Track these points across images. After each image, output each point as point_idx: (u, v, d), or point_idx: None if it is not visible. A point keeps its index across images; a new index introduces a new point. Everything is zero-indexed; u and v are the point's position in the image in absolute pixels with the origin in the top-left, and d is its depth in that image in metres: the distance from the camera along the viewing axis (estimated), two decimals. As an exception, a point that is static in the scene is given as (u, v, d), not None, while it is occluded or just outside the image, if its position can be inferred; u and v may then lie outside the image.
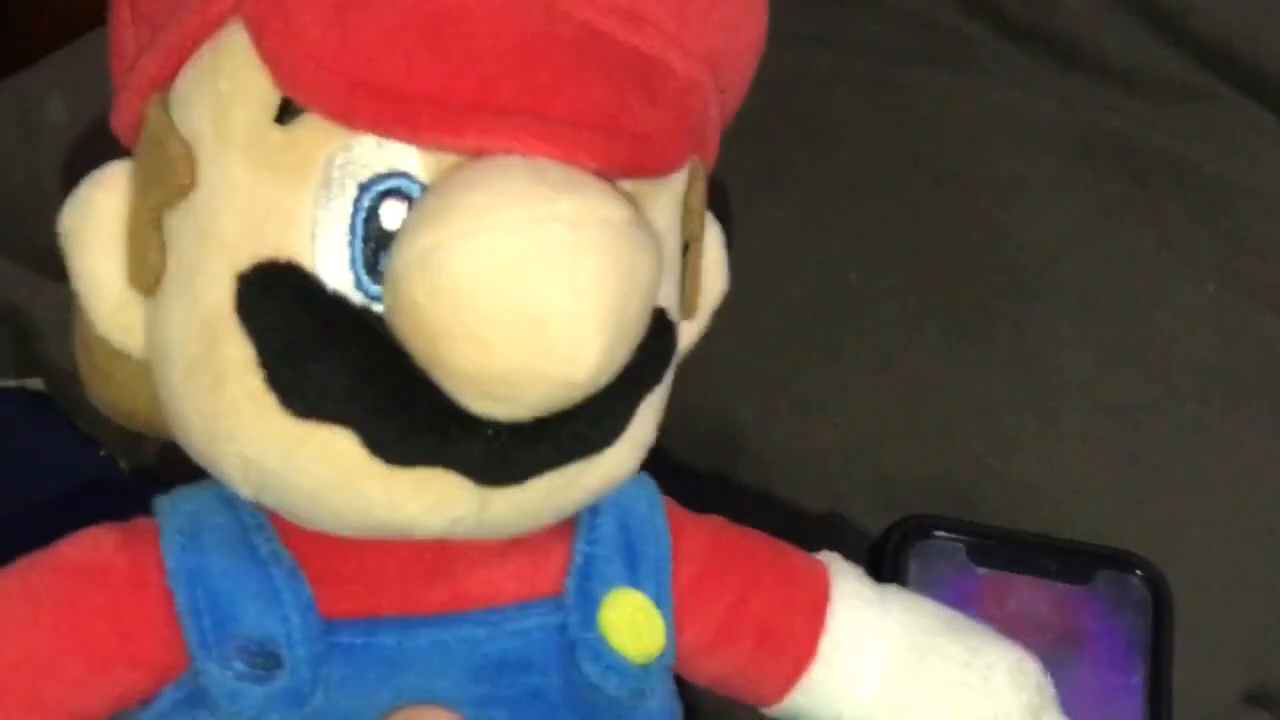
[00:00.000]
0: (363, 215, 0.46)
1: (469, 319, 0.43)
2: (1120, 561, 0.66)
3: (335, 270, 0.46)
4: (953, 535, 0.66)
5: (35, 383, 0.75)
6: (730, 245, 0.55)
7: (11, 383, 0.75)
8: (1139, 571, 0.66)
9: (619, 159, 0.46)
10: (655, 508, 0.54)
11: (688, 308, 0.52)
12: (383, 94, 0.44)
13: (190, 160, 0.47)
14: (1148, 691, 0.64)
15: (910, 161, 0.74)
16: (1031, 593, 0.65)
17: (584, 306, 0.43)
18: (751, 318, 0.70)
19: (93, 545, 0.49)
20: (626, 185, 0.47)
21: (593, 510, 0.52)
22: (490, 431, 0.46)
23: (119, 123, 0.50)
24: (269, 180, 0.46)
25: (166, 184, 0.47)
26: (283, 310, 0.46)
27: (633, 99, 0.46)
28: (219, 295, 0.46)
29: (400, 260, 0.44)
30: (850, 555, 0.58)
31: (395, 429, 0.46)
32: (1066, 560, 0.66)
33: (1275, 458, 0.70)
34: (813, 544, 0.57)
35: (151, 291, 0.48)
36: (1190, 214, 0.74)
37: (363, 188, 0.46)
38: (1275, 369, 0.71)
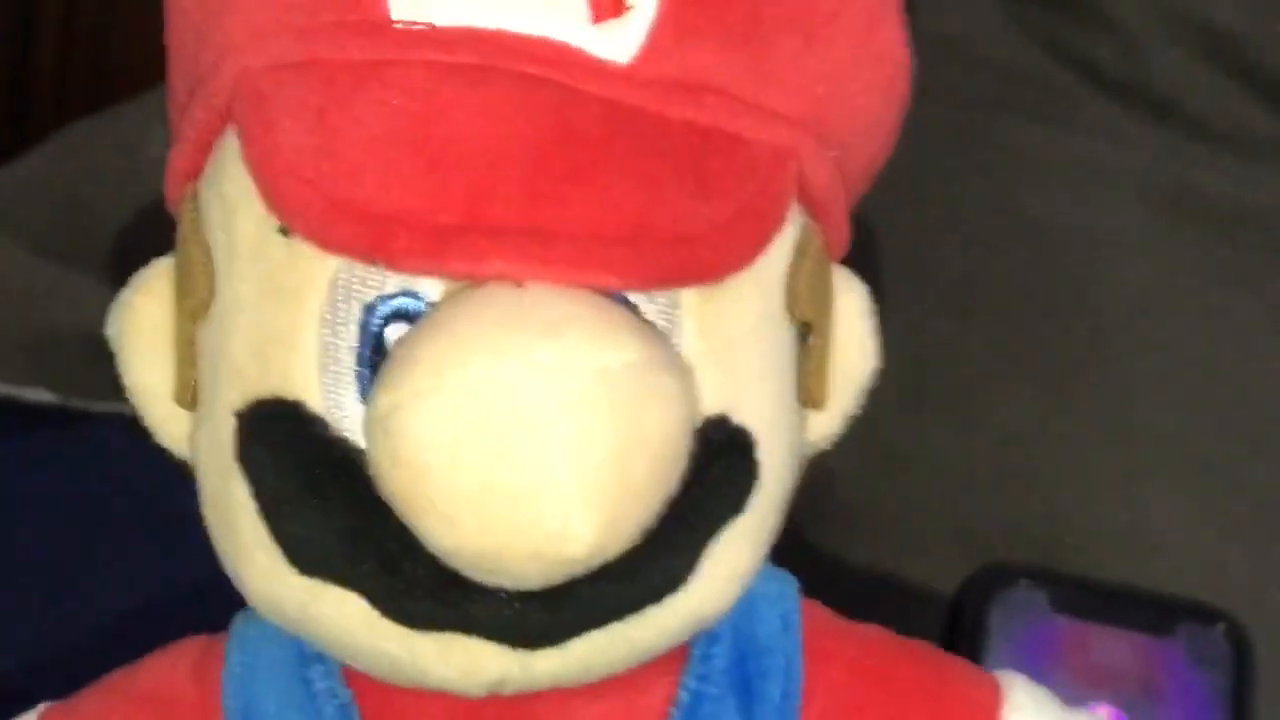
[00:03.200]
0: (370, 341, 0.40)
1: (432, 493, 0.37)
2: (1203, 614, 0.66)
3: (343, 405, 0.40)
4: (1035, 584, 0.66)
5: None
6: None
7: (113, 408, 0.77)
8: (1221, 624, 0.66)
9: (649, 272, 0.39)
10: (790, 628, 0.45)
11: (815, 398, 0.45)
12: (361, 214, 0.38)
13: (209, 270, 0.42)
14: (1227, 745, 0.65)
15: (999, 212, 0.75)
16: (1113, 643, 0.65)
17: (566, 476, 0.37)
18: None
19: (169, 670, 0.46)
20: (690, 295, 0.41)
21: (710, 635, 0.44)
22: (503, 595, 0.40)
23: (172, 207, 0.45)
24: (273, 299, 0.41)
25: (194, 293, 0.43)
26: (273, 460, 0.41)
27: (672, 192, 0.40)
28: (228, 430, 0.41)
29: (366, 419, 0.39)
30: (929, 606, 0.57)
31: (395, 595, 0.40)
32: (1149, 611, 0.66)
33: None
34: (891, 594, 0.56)
35: (191, 408, 0.43)
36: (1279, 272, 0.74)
37: (369, 309, 0.40)
38: None
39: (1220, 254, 0.74)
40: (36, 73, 1.28)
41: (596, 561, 0.39)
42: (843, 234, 0.46)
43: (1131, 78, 0.79)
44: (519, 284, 0.38)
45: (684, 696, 0.44)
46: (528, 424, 0.37)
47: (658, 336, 0.40)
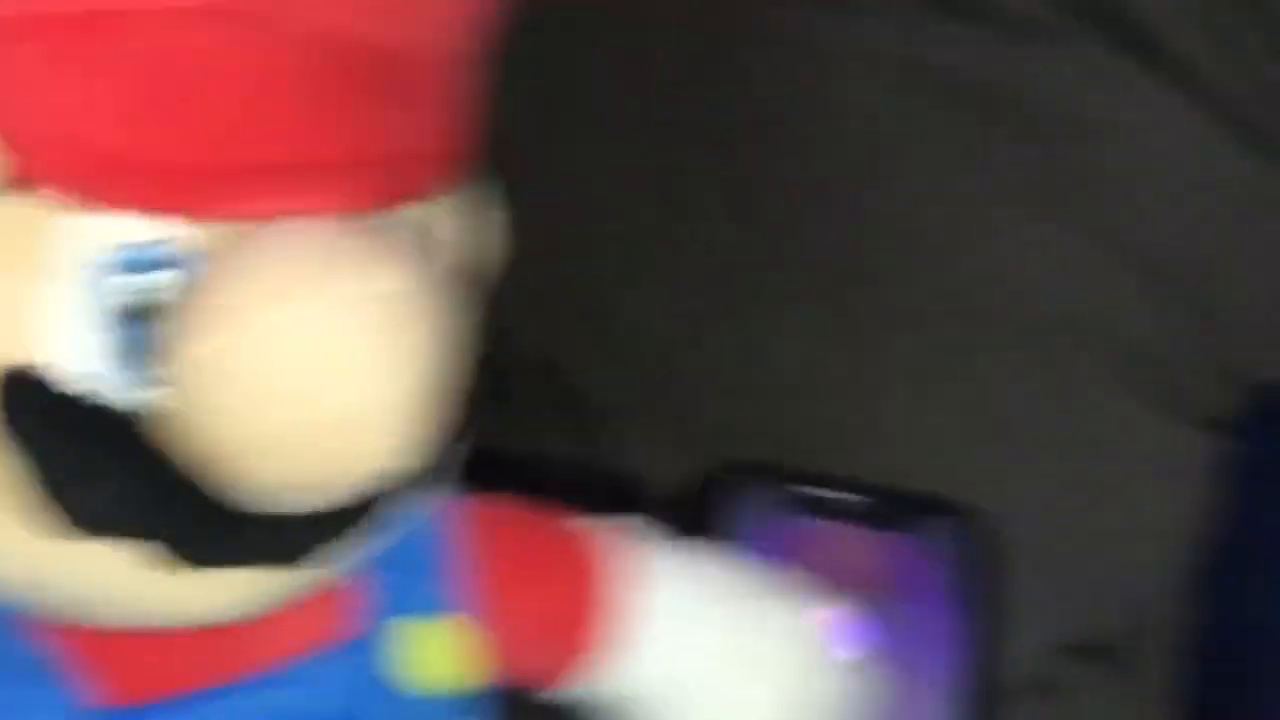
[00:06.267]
0: (108, 299, 0.40)
1: (253, 433, 0.39)
2: (944, 508, 0.65)
3: (86, 370, 0.40)
4: (772, 482, 0.65)
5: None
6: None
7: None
8: (964, 517, 0.65)
9: (394, 188, 0.41)
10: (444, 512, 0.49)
11: None
12: (118, 165, 0.38)
13: None
14: (972, 639, 0.64)
15: (796, 109, 0.73)
16: (852, 541, 0.65)
17: (381, 398, 0.39)
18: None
19: None
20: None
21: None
22: (291, 521, 0.42)
23: None
24: (9, 263, 0.40)
25: None
26: (45, 427, 0.40)
27: (392, 112, 0.41)
28: None
29: (172, 370, 0.39)
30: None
31: (182, 548, 0.41)
32: (890, 507, 0.65)
33: (1108, 406, 0.69)
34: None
35: None
36: (1037, 152, 0.72)
37: (102, 266, 0.40)
38: (1114, 312, 0.70)
39: (954, 130, 0.72)
40: None
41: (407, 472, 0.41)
42: None
43: None
44: (292, 219, 0.39)
45: (376, 591, 0.47)
46: (339, 354, 0.38)
47: (424, 257, 0.40)
